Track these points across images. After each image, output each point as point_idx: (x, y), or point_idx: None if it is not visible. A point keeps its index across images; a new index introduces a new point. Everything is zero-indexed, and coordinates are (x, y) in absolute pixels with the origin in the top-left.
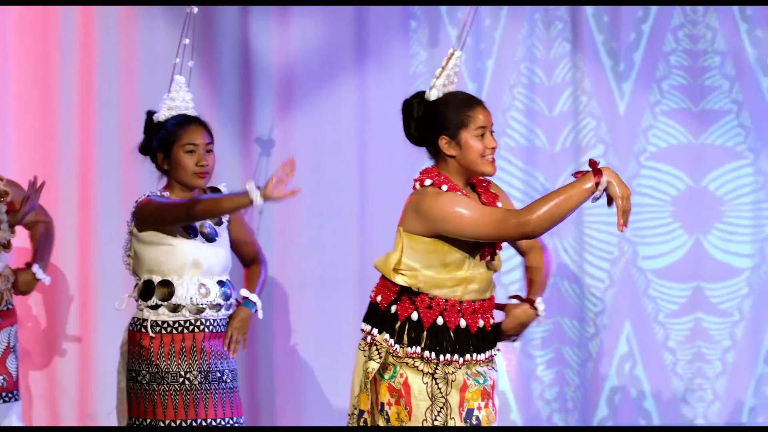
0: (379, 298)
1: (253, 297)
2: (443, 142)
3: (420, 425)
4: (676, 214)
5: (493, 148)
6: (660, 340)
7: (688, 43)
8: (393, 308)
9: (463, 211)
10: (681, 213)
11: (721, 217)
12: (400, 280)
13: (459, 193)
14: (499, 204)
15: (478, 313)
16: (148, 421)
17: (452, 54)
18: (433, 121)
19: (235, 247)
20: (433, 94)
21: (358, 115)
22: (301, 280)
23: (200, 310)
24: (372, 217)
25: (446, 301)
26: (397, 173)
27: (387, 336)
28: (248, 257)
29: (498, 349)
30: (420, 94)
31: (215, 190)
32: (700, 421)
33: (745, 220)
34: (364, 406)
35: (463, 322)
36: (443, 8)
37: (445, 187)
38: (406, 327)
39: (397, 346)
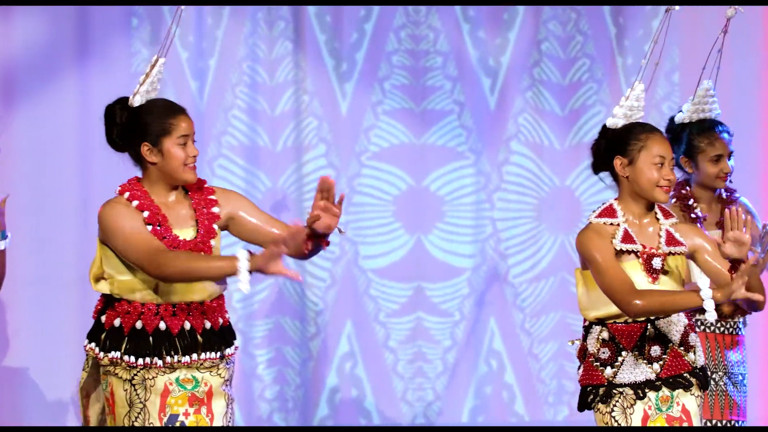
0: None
1: None
2: (145, 149)
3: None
4: (397, 213)
5: (194, 156)
6: (381, 339)
7: (410, 43)
8: (103, 317)
9: (120, 227)
10: (402, 213)
11: (442, 217)
12: (100, 287)
13: (129, 205)
14: (216, 209)
15: (181, 315)
16: None
17: (156, 61)
18: (136, 127)
19: None
20: (136, 101)
21: (79, 113)
22: (22, 278)
23: None
24: (93, 215)
25: (143, 305)
26: (118, 172)
27: (93, 344)
28: None
29: (229, 355)
30: (123, 100)
31: None
32: (420, 421)
33: (466, 221)
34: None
35: (162, 325)
36: (165, 7)
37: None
38: (110, 334)
39: (102, 353)
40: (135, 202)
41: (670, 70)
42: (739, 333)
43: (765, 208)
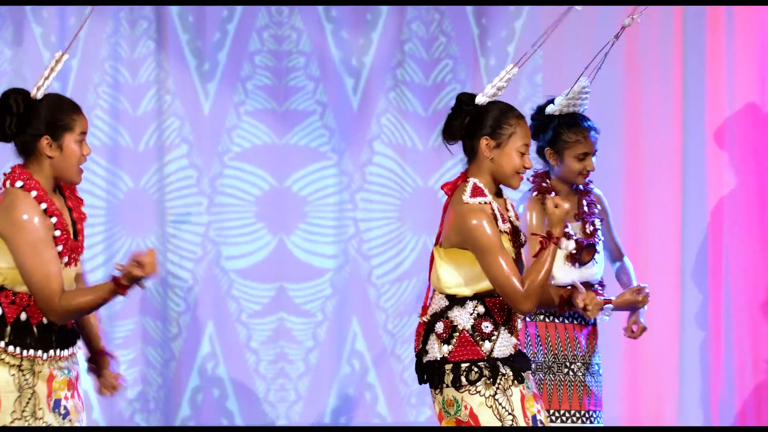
0: None
1: None
2: (44, 143)
3: (21, 417)
4: (259, 214)
5: (86, 157)
6: (243, 340)
7: (273, 43)
8: None
9: (33, 239)
10: (265, 213)
11: (305, 217)
12: None
13: (38, 207)
14: (83, 209)
15: None
16: None
17: (62, 56)
18: (38, 120)
19: None
20: (40, 94)
21: None
22: None
23: None
24: None
25: (29, 296)
26: None
27: None
28: None
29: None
30: (21, 90)
31: None
32: (282, 422)
33: (329, 221)
34: None
35: (45, 319)
36: (28, 7)
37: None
38: None
39: None
40: (43, 205)
41: (532, 71)
42: (591, 322)
43: (625, 205)
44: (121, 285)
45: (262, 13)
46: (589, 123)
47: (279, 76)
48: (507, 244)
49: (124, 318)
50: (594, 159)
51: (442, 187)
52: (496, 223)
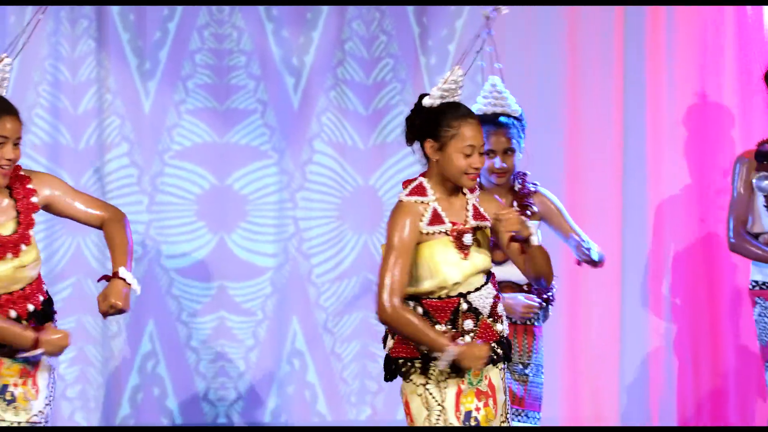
0: None
1: None
2: None
3: None
4: (200, 212)
5: (9, 160)
6: (183, 339)
7: (213, 42)
8: None
9: None
10: (205, 212)
11: (245, 216)
12: None
13: None
14: (35, 199)
15: (6, 305)
16: None
17: (1, 60)
18: None
19: None
20: None
21: None
22: None
23: None
24: None
25: None
26: None
27: None
28: None
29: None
30: None
31: None
32: (222, 421)
33: (269, 220)
34: None
35: None
36: None
37: None
38: None
39: None
40: None
41: (473, 71)
42: (535, 324)
43: (564, 202)
44: (36, 342)
45: (203, 12)
46: (489, 122)
47: (220, 74)
48: (448, 245)
49: (64, 316)
50: (518, 158)
51: (402, 185)
52: (420, 224)
